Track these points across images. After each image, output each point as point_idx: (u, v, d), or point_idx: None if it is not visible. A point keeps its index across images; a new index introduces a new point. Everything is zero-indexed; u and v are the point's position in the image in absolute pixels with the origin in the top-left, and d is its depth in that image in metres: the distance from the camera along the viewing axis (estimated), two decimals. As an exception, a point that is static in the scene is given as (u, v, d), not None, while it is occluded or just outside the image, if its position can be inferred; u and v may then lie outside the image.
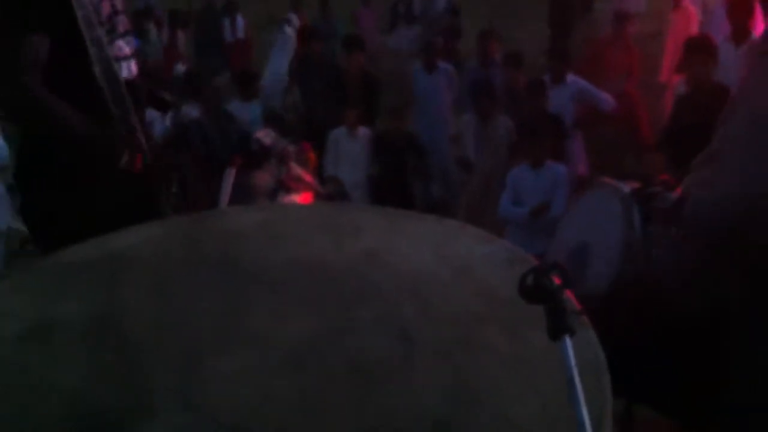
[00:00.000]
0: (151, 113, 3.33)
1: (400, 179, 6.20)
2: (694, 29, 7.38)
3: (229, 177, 2.38)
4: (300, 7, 11.02)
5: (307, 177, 2.52)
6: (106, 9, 2.44)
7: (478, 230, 2.08)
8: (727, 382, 1.46)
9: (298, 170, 2.48)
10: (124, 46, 2.48)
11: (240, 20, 11.36)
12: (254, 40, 11.44)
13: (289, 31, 9.83)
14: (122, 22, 2.50)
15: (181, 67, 9.34)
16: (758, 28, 5.96)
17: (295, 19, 10.42)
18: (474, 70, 7.18)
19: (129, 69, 2.48)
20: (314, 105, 7.27)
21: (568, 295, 1.58)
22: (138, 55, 2.55)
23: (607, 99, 6.22)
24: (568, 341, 1.27)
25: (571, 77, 6.23)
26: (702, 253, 1.41)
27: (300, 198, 2.49)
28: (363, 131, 6.26)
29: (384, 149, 6.27)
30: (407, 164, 6.28)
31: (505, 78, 6.79)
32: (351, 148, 6.14)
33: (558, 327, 1.31)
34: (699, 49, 4.98)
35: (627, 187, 2.25)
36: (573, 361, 1.22)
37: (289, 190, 2.47)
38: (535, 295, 1.41)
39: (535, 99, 5.72)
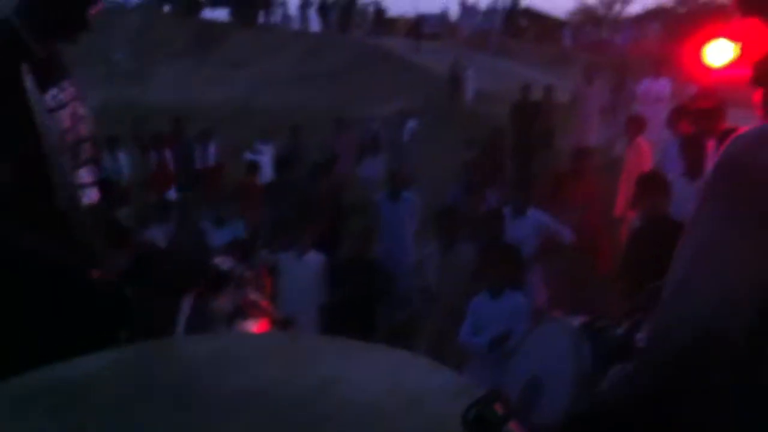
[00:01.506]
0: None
1: (364, 305, 6.22)
2: (648, 165, 7.67)
3: (187, 303, 2.40)
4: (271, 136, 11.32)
5: (264, 303, 2.55)
6: (71, 136, 2.50)
7: (429, 360, 2.10)
8: None
9: (255, 296, 2.51)
10: (86, 175, 2.53)
11: (212, 148, 11.60)
12: (228, 166, 11.66)
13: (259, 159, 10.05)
14: (85, 150, 2.56)
15: (173, 194, 9.40)
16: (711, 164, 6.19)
17: (267, 149, 10.66)
18: (455, 196, 7.38)
19: (90, 196, 2.53)
20: (282, 230, 7.37)
21: (513, 428, 1.60)
22: (100, 182, 2.61)
23: (567, 233, 6.37)
24: (510, 475, 1.28)
25: (532, 211, 6.40)
26: (657, 380, 1.43)
27: (257, 324, 2.51)
28: (312, 256, 6.25)
29: (349, 275, 6.31)
30: (371, 290, 6.31)
31: (469, 206, 6.98)
32: (299, 273, 6.12)
33: (499, 461, 1.33)
34: (650, 184, 5.16)
35: (577, 321, 2.29)
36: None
37: (246, 316, 2.49)
38: (477, 427, 1.44)
39: (492, 229, 5.86)
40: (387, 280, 6.48)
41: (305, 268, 6.16)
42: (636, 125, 8.55)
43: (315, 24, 28.77)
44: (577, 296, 5.54)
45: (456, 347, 5.21)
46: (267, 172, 9.70)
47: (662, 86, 11.47)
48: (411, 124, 12.32)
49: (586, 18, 38.82)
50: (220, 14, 29.34)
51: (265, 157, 10.34)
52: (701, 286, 1.30)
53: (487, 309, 4.92)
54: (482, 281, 5.17)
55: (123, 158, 10.89)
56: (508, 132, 12.21)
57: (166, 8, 29.73)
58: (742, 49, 1.46)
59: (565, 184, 7.52)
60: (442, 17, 33.90)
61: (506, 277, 4.96)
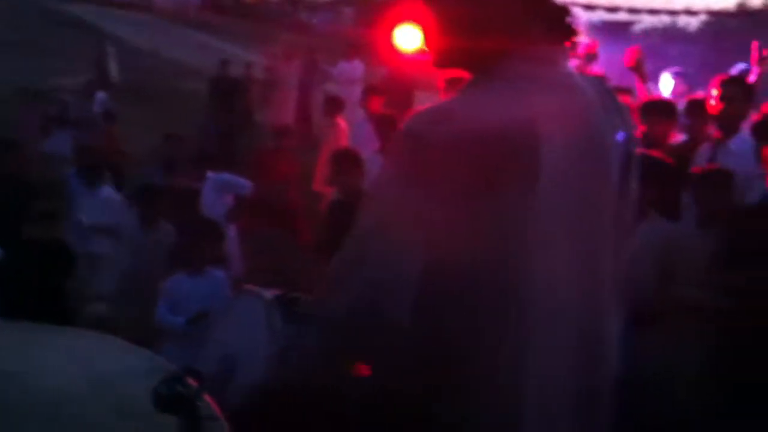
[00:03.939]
0: None
1: (54, 289, 5.84)
2: (345, 142, 8.00)
3: None
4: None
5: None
6: None
7: (120, 341, 2.03)
8: None
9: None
10: None
11: None
12: None
13: None
14: None
15: None
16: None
17: None
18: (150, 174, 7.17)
19: None
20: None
21: (207, 400, 1.60)
22: None
23: (244, 183, 6.59)
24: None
25: (210, 174, 6.54)
26: (322, 344, 1.49)
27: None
28: None
29: (36, 257, 5.88)
30: (60, 272, 5.94)
31: (169, 182, 6.82)
32: None
33: (192, 435, 1.32)
34: (346, 161, 5.40)
35: (269, 294, 2.33)
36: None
37: None
38: (169, 404, 1.41)
39: (188, 206, 5.82)
40: (74, 262, 6.13)
41: None
42: (334, 105, 8.86)
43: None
44: (277, 268, 5.65)
45: (155, 328, 5.08)
46: None
47: (355, 68, 12.01)
48: (101, 97, 11.69)
49: (286, -3, 39.36)
50: None
51: None
52: (374, 252, 1.38)
53: (184, 287, 4.82)
54: (181, 259, 5.07)
55: None
56: (207, 108, 12.07)
57: None
58: (423, 33, 1.56)
59: (265, 160, 7.62)
60: (138, -14, 32.47)
61: (205, 254, 4.90)
